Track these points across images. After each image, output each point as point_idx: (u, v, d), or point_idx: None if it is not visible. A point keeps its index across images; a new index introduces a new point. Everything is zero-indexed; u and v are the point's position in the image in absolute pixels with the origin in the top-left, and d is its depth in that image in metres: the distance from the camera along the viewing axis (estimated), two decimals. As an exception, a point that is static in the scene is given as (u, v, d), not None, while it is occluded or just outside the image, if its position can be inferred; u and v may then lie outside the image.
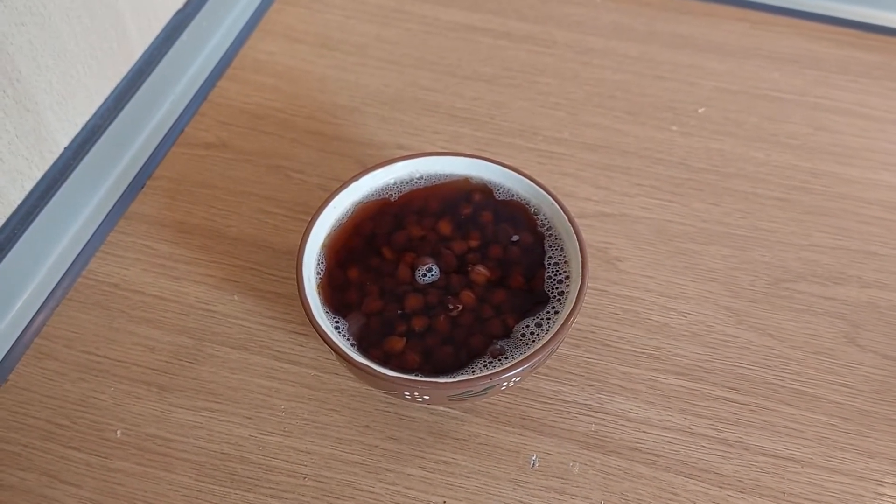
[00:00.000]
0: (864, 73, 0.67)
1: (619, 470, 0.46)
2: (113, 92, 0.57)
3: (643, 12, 0.72)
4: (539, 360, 0.41)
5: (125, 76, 0.58)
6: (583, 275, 0.44)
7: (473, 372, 0.42)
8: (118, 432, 0.46)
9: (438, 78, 0.66)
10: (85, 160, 0.54)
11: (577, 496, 0.45)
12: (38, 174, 0.51)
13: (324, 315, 0.43)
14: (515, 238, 0.47)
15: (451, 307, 0.44)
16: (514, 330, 0.43)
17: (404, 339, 0.43)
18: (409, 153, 0.49)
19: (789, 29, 0.71)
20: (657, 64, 0.67)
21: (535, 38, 0.69)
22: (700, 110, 0.64)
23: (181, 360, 0.49)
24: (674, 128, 0.63)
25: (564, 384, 0.49)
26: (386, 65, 0.67)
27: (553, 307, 0.44)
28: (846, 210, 0.58)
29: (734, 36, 0.70)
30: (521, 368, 0.40)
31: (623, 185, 0.59)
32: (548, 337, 0.42)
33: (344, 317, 0.44)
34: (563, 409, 0.48)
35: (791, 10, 0.72)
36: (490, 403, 0.48)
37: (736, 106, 0.64)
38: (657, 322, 0.52)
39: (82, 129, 0.54)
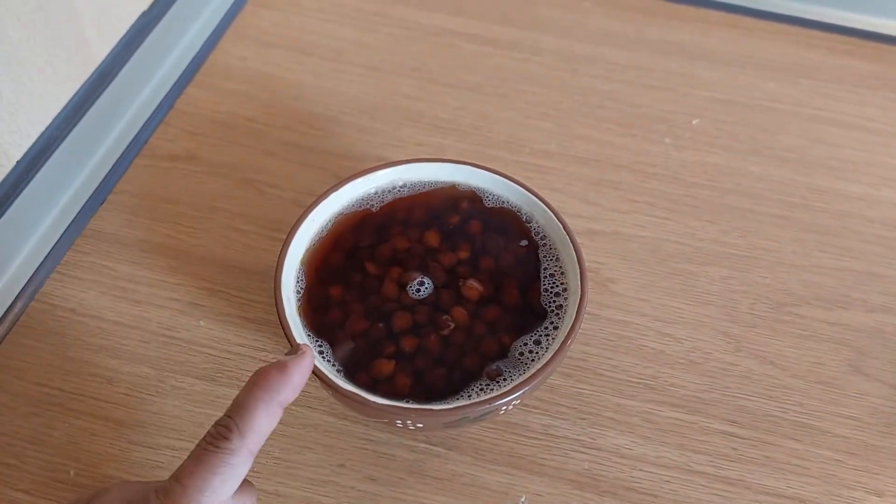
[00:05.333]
0: (862, 83, 0.65)
1: (614, 511, 0.43)
2: (70, 100, 0.53)
3: (633, 18, 0.69)
4: (540, 380, 0.38)
5: (84, 83, 0.54)
6: (582, 286, 0.41)
7: (469, 396, 0.39)
8: (71, 472, 0.43)
9: (420, 86, 0.63)
10: (39, 174, 0.51)
11: (569, 541, 0.42)
12: (-13, 190, 0.48)
13: (307, 339, 0.40)
14: (524, 243, 0.44)
15: (443, 326, 0.41)
16: (511, 349, 0.40)
17: (393, 362, 0.40)
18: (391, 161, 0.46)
19: (782, 36, 0.68)
20: (648, 72, 0.65)
21: (521, 45, 0.66)
22: (694, 121, 0.61)
23: (141, 393, 0.46)
24: (667, 140, 0.60)
25: (555, 417, 0.46)
26: (365, 71, 0.64)
27: (552, 322, 0.41)
28: (848, 228, 0.55)
29: (726, 43, 0.67)
30: (522, 391, 0.38)
31: (614, 200, 0.56)
32: (549, 355, 0.39)
33: (327, 340, 0.41)
34: (553, 445, 0.45)
35: (784, 16, 0.70)
36: (475, 439, 0.45)
37: (730, 117, 0.62)
38: (652, 349, 0.49)
39: (36, 140, 0.51)
